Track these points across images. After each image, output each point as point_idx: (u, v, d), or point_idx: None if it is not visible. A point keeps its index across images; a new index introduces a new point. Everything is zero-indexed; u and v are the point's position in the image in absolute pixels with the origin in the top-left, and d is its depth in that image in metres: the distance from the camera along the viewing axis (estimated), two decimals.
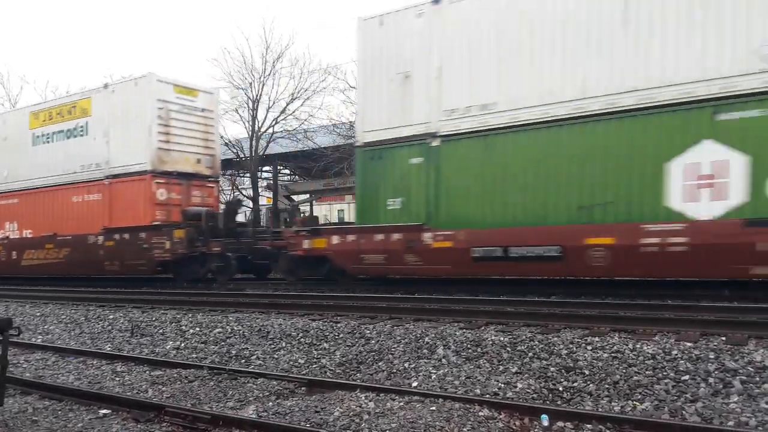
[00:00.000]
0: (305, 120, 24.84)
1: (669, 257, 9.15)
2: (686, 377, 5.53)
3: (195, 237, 14.91)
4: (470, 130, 11.06)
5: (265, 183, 27.99)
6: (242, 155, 25.10)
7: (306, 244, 13.20)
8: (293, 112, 24.81)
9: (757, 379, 5.34)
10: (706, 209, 9.05)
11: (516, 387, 5.82)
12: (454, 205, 11.27)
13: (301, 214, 18.82)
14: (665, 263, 9.30)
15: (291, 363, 7.35)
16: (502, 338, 7.04)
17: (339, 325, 8.50)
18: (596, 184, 9.92)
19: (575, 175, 10.07)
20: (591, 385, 5.69)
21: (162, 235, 15.12)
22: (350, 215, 34.45)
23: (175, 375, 7.00)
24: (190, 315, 10.34)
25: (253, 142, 24.68)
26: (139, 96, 15.91)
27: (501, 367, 6.37)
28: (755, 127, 8.72)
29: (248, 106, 24.97)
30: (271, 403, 5.75)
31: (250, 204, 25.24)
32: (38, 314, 11.95)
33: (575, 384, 5.76)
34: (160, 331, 9.61)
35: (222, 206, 17.68)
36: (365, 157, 12.46)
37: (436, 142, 11.44)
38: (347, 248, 12.39)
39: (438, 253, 11.23)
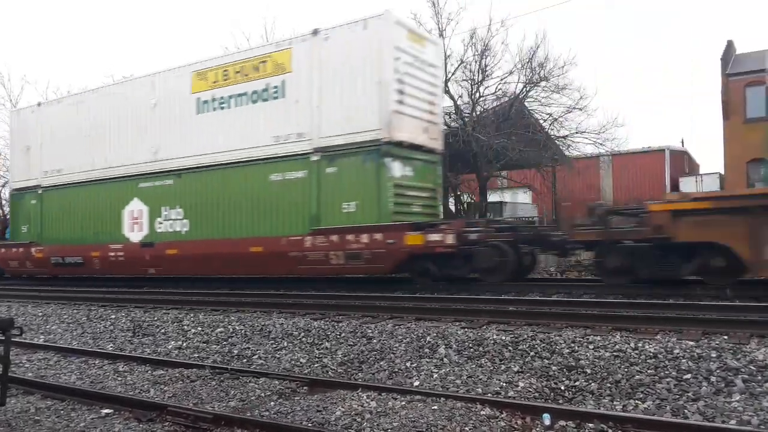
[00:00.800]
0: None
1: (119, 263, 15.95)
2: (688, 376, 5.53)
3: None
4: (54, 184, 17.86)
5: None
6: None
7: None
8: None
9: (759, 377, 5.34)
10: (136, 236, 15.73)
11: (518, 386, 5.81)
12: (47, 230, 17.98)
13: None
14: (117, 267, 16.12)
15: (293, 362, 7.35)
16: (503, 337, 7.04)
17: (341, 324, 8.51)
18: (95, 220, 16.75)
19: (91, 215, 16.90)
20: (593, 384, 5.69)
21: None
22: None
23: (177, 374, 6.99)
24: (191, 315, 10.35)
25: None
26: None
27: (503, 366, 6.37)
28: (151, 191, 15.50)
29: None
30: (273, 403, 5.75)
31: None
32: (40, 314, 11.98)
33: (577, 383, 5.76)
34: (162, 330, 9.63)
35: None
36: (12, 197, 19.83)
37: (41, 191, 18.23)
38: (2, 257, 19.35)
39: (38, 260, 17.97)
